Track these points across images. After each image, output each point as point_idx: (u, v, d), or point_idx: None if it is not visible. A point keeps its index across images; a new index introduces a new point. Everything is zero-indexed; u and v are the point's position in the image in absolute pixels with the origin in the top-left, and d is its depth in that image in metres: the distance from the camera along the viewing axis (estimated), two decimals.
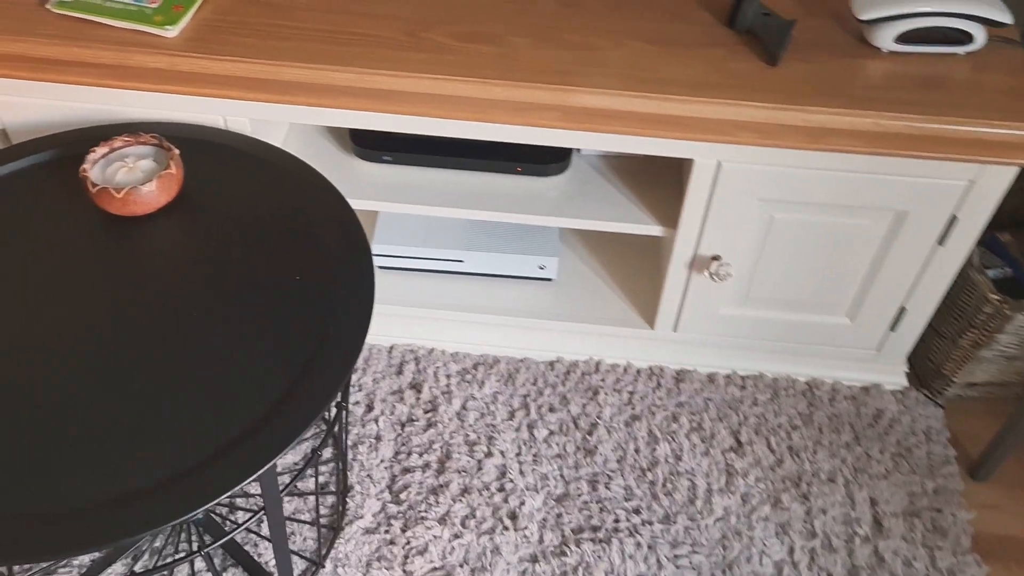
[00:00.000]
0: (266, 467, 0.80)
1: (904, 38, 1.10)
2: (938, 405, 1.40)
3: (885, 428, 1.37)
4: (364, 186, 1.28)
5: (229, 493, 0.79)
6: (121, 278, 0.96)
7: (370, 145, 1.28)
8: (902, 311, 1.29)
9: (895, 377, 1.41)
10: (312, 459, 0.98)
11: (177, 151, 1.04)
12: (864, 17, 1.10)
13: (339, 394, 1.22)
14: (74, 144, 1.10)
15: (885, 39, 1.11)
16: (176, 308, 0.93)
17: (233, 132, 1.14)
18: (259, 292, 0.95)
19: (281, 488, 0.96)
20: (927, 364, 1.41)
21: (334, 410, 1.29)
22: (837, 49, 1.13)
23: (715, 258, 1.23)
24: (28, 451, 0.80)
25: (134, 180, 1.02)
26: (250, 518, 0.94)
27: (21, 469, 0.79)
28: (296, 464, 1.29)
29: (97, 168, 1.03)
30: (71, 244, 0.99)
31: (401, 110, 1.08)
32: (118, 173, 1.03)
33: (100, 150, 1.04)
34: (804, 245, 1.22)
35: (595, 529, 1.24)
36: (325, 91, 1.08)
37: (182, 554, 1.19)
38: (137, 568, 1.18)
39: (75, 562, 1.18)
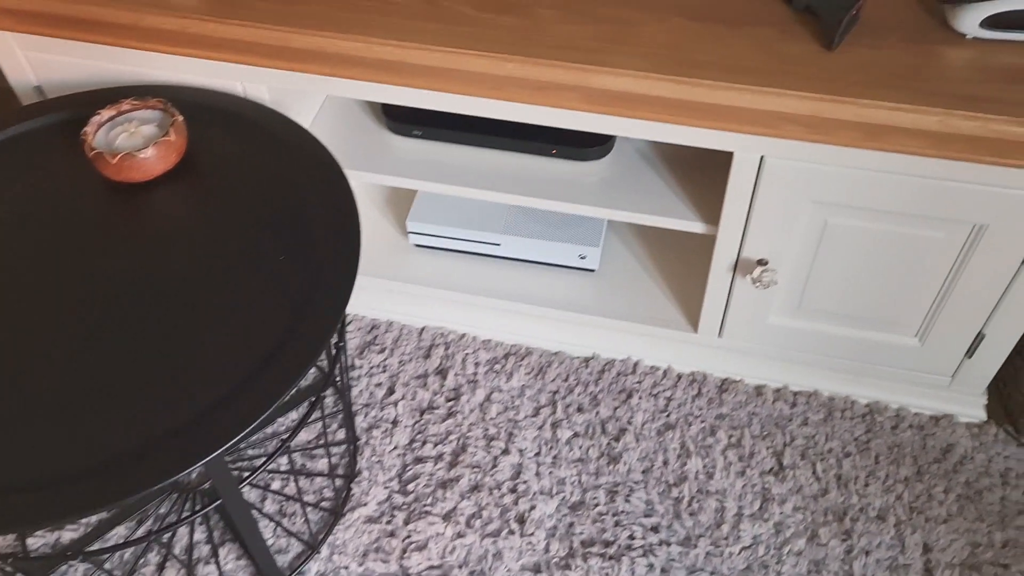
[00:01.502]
0: (225, 447, 0.76)
1: (992, 22, 0.94)
2: (1021, 444, 1.23)
3: (954, 465, 1.21)
4: (393, 161, 1.22)
5: (205, 461, 0.75)
6: (110, 244, 0.93)
7: (401, 119, 1.22)
8: (980, 336, 1.13)
9: (972, 409, 1.24)
10: (302, 421, 0.93)
11: (180, 117, 1.01)
12: None
13: (339, 376, 1.18)
14: (88, 105, 1.09)
15: (970, 23, 0.95)
16: (160, 275, 0.90)
17: (248, 100, 1.10)
18: (242, 265, 0.91)
19: (280, 448, 0.93)
20: (1015, 397, 1.24)
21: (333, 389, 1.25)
22: (911, 33, 0.98)
23: (761, 262, 1.11)
24: (12, 417, 0.79)
25: (133, 145, 0.99)
26: (248, 478, 0.91)
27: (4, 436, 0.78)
28: (308, 442, 1.26)
29: (102, 132, 1.01)
30: (64, 208, 0.97)
31: (411, 83, 1.01)
32: (119, 137, 1.00)
33: (106, 113, 1.02)
34: (864, 255, 1.08)
35: (607, 544, 1.15)
36: (332, 60, 1.02)
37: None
38: (140, 532, 1.19)
39: (82, 520, 1.19)
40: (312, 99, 1.26)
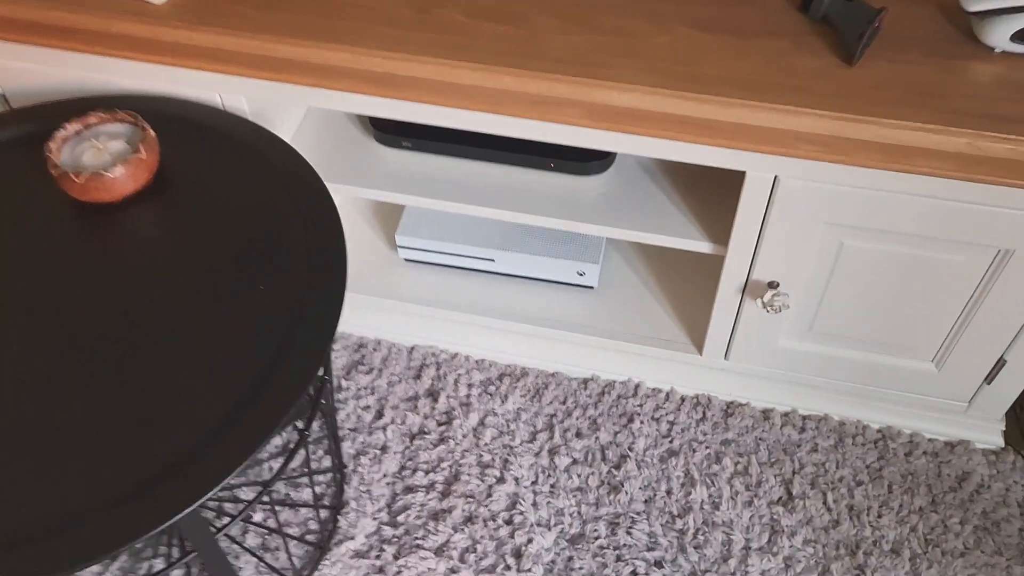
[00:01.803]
0: (194, 504, 0.69)
1: None
2: None
3: (970, 495, 1.15)
4: (381, 174, 1.15)
5: (162, 526, 0.69)
6: (75, 272, 0.86)
7: (389, 130, 1.15)
8: (1001, 362, 1.07)
9: (989, 435, 1.19)
10: (283, 466, 0.87)
11: (152, 132, 0.94)
12: (974, 8, 0.88)
13: (324, 400, 1.11)
14: (53, 118, 1.01)
15: (999, 36, 0.89)
16: (128, 307, 0.83)
17: (226, 112, 1.03)
18: (218, 296, 0.84)
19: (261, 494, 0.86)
20: None
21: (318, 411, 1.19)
22: (936, 47, 0.92)
23: (771, 285, 1.05)
24: None
25: (100, 163, 0.92)
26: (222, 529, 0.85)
27: None
28: (292, 470, 1.20)
29: (67, 148, 0.94)
30: (25, 231, 0.90)
31: (399, 95, 0.94)
32: (85, 154, 0.93)
33: (71, 127, 0.95)
34: (881, 278, 1.02)
35: None
36: (316, 70, 0.95)
37: (159, 560, 1.12)
38: (114, 568, 1.12)
39: None
40: (295, 109, 1.19)
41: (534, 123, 0.95)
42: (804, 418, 1.22)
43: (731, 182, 1.13)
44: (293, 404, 0.76)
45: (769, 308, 1.04)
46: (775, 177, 0.94)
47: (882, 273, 1.01)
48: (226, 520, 1.15)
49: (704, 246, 1.07)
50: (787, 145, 0.89)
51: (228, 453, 0.72)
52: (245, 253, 0.88)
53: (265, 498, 1.16)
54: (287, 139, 1.17)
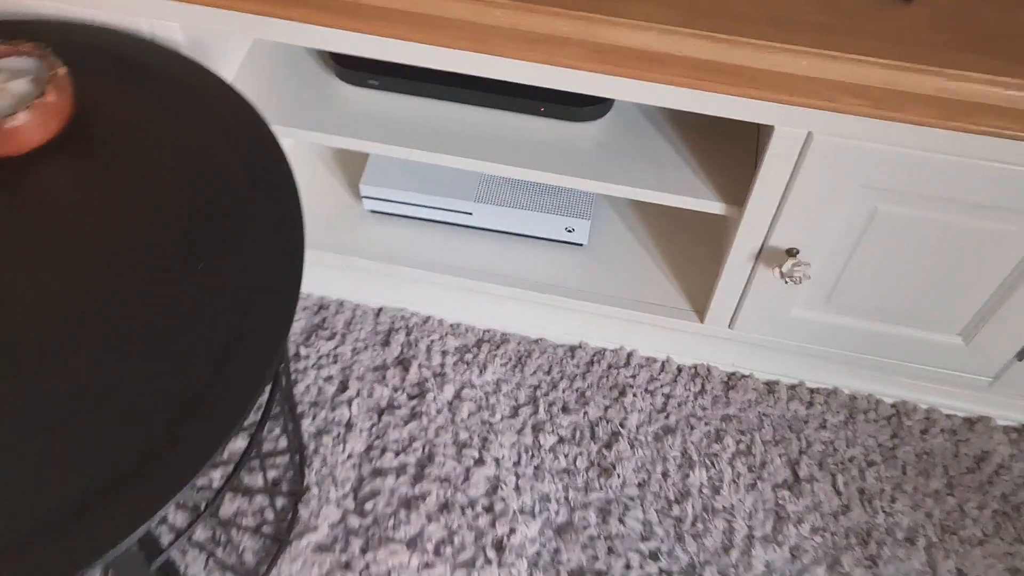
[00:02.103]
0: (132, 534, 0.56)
1: None
2: None
3: (989, 476, 1.06)
4: (344, 117, 0.99)
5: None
6: None
7: (353, 65, 0.99)
8: None
9: (1011, 411, 1.09)
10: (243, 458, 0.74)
11: (64, 69, 0.77)
12: None
13: (283, 380, 0.98)
14: None
15: None
16: (35, 292, 0.68)
17: (155, 44, 0.86)
18: (146, 276, 0.69)
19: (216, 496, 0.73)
20: None
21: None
22: None
23: (790, 253, 0.92)
24: None
25: (0, 109, 0.76)
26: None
27: None
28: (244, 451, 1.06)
29: None
30: None
31: (366, 29, 0.78)
32: None
33: None
34: (915, 247, 0.90)
35: (599, 574, 0.99)
36: None
37: None
38: None
39: None
40: (240, 40, 1.02)
41: (527, 65, 0.79)
42: (812, 391, 1.12)
43: (747, 133, 0.99)
44: (236, 424, 0.62)
45: (788, 279, 0.91)
46: (809, 133, 0.80)
47: (917, 241, 0.89)
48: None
49: (716, 206, 0.94)
50: (827, 97, 0.75)
51: (155, 486, 0.59)
52: (178, 220, 0.73)
53: (217, 481, 1.04)
54: (230, 77, 1.00)
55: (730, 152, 0.97)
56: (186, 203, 0.74)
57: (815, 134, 0.80)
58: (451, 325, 1.16)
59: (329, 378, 1.12)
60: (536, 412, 1.10)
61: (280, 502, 1.03)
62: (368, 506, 1.02)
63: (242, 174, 0.77)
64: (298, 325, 1.16)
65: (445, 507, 1.03)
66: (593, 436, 1.08)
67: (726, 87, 0.77)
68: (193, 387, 0.64)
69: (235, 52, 1.01)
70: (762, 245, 0.93)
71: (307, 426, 1.08)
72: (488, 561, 0.99)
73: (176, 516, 1.01)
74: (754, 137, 0.98)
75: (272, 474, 1.04)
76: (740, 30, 0.74)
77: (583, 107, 0.97)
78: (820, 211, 0.88)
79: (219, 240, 0.72)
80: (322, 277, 1.17)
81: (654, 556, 1.00)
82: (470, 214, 1.12)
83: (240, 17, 0.82)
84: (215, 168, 0.77)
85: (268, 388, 0.91)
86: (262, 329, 0.67)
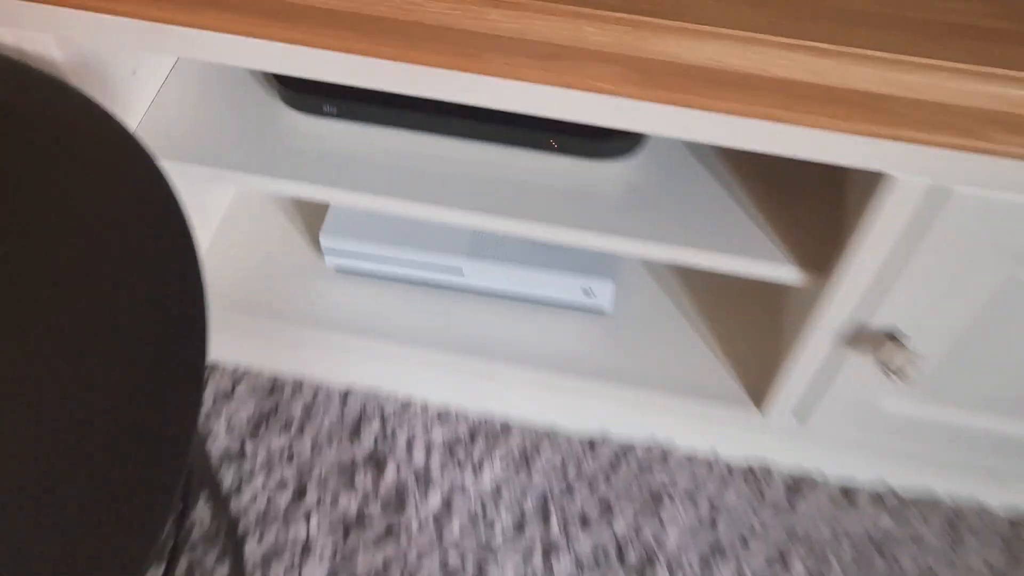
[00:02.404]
0: None
1: None
2: None
3: None
4: (292, 155, 0.75)
5: None
6: None
7: (303, 88, 0.75)
8: None
9: None
10: None
11: None
12: None
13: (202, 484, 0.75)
14: None
15: None
16: None
17: (17, 62, 0.62)
18: None
19: None
20: None
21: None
22: None
23: (892, 337, 0.68)
24: None
25: None
26: None
27: None
28: None
29: None
30: None
31: (314, 41, 0.55)
32: None
33: None
34: None
35: None
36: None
37: None
38: None
39: None
40: (158, 58, 0.78)
41: (537, 90, 0.56)
42: (903, 501, 0.88)
43: (829, 176, 0.75)
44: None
45: (893, 374, 0.68)
46: (938, 185, 0.56)
47: None
48: None
49: (791, 274, 0.70)
50: (968, 130, 0.52)
51: None
52: (36, 310, 0.49)
53: None
54: (142, 105, 0.76)
55: (805, 201, 0.73)
56: (45, 289, 0.50)
57: (954, 185, 0.56)
58: (437, 412, 0.92)
59: (282, 483, 0.88)
60: (547, 527, 0.86)
61: None
62: None
63: (127, 253, 0.53)
64: (242, 413, 0.92)
65: None
66: (621, 559, 0.84)
67: (823, 120, 0.53)
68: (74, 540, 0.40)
69: (150, 73, 0.77)
70: (856, 325, 0.70)
71: (252, 550, 0.84)
72: None
73: None
74: (839, 181, 0.74)
75: None
76: (853, 39, 0.50)
77: (607, 141, 0.73)
78: (946, 284, 0.64)
79: (93, 347, 0.48)
80: (275, 351, 0.93)
81: None
82: (461, 272, 0.88)
83: (128, 24, 0.58)
84: (91, 245, 0.53)
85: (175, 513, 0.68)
86: (157, 465, 0.43)
